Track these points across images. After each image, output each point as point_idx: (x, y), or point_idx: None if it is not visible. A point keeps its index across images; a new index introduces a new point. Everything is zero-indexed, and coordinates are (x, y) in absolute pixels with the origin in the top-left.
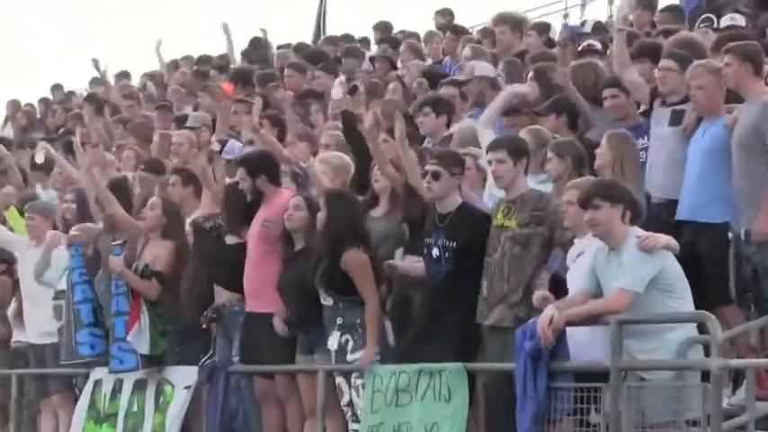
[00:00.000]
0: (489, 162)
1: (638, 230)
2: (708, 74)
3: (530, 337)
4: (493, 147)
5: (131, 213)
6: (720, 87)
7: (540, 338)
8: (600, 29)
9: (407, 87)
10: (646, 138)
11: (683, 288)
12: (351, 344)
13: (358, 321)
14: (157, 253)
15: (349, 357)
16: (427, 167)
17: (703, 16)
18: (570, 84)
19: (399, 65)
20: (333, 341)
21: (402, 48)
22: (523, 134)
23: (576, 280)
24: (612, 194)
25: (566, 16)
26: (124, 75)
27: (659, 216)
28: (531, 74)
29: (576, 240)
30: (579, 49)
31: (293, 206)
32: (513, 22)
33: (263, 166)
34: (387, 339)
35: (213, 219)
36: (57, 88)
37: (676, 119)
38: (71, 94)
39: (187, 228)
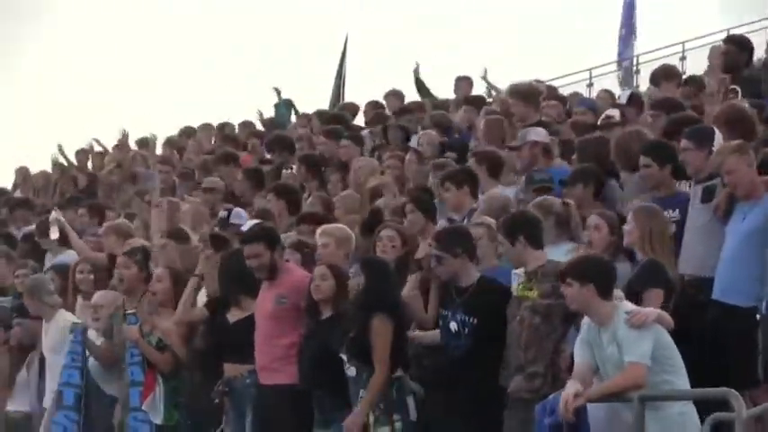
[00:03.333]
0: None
1: (627, 306)
2: (732, 156)
3: (550, 413)
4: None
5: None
6: (749, 164)
7: (560, 415)
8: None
9: (422, 157)
10: (677, 211)
11: (677, 361)
12: (372, 418)
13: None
14: (168, 325)
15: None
16: (429, 251)
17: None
18: None
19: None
20: None
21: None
22: (532, 209)
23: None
24: (581, 273)
25: (590, 86)
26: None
27: (685, 293)
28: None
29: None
30: (599, 122)
31: (320, 276)
32: (525, 95)
33: (277, 238)
34: (409, 414)
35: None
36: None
37: (708, 195)
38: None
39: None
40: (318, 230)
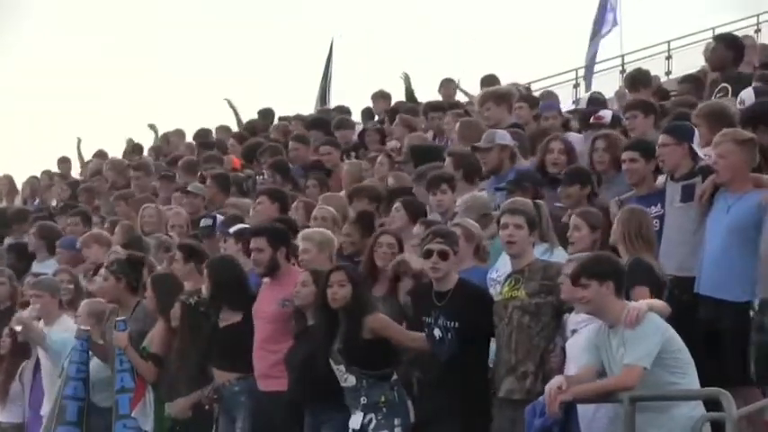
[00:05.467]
0: (506, 225)
1: (631, 305)
2: (731, 143)
3: (540, 414)
4: (512, 211)
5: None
6: (745, 159)
7: (549, 416)
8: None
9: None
10: (659, 205)
11: (686, 362)
12: (374, 423)
13: (382, 399)
14: (153, 333)
15: None
16: (432, 247)
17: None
18: None
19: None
20: (356, 421)
21: (396, 121)
22: (506, 206)
23: (575, 354)
24: (599, 272)
25: (576, 86)
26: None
27: (671, 293)
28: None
29: (573, 314)
30: (591, 120)
31: (301, 282)
32: (497, 97)
33: (283, 238)
34: (410, 416)
35: (196, 294)
36: (63, 161)
37: (687, 194)
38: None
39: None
40: (299, 236)
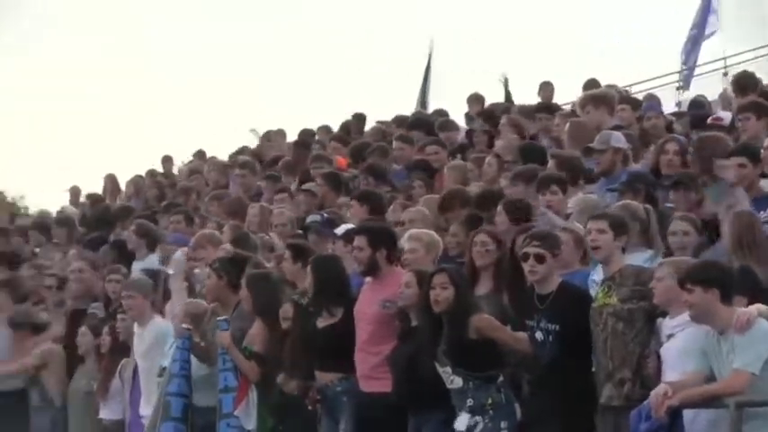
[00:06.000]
0: (589, 231)
1: (740, 311)
2: None
3: (645, 419)
4: (595, 217)
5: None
6: None
7: (655, 420)
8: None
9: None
10: None
11: None
12: (480, 426)
13: (489, 401)
14: (253, 332)
15: None
16: (529, 250)
17: None
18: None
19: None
20: (461, 422)
21: (502, 122)
22: (617, 209)
23: (673, 358)
24: (704, 278)
25: (679, 89)
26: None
27: None
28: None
29: (668, 318)
30: (709, 121)
31: (405, 283)
32: (596, 100)
33: (385, 239)
34: (516, 418)
35: (305, 294)
36: (166, 160)
37: None
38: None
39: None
40: (406, 235)
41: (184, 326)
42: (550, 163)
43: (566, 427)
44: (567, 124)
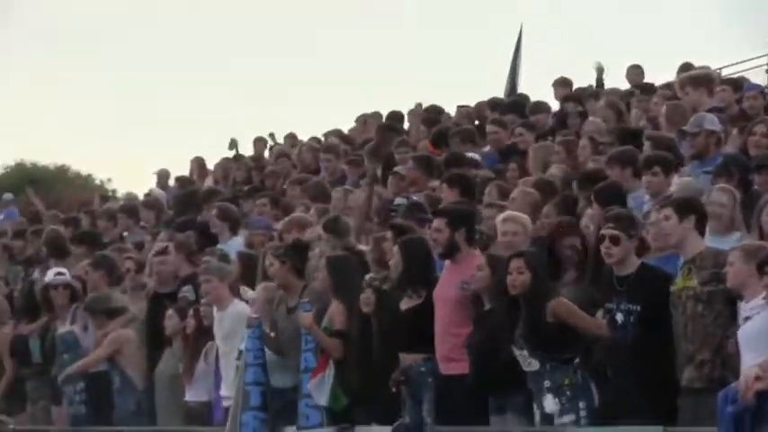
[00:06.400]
0: (656, 222)
1: None
2: None
3: (731, 401)
4: (659, 207)
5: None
6: None
7: (742, 403)
8: None
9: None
10: None
11: None
12: (558, 407)
13: (566, 382)
14: (331, 312)
15: (556, 421)
16: (605, 232)
17: None
18: None
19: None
20: (549, 404)
21: (600, 103)
22: (718, 193)
23: (751, 340)
24: None
25: None
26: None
27: None
28: None
29: (744, 301)
30: None
31: (477, 266)
32: (695, 81)
33: (465, 220)
34: (594, 399)
35: (383, 278)
36: (259, 140)
37: None
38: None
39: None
40: (500, 217)
41: (253, 315)
42: (646, 145)
43: (650, 410)
44: (664, 106)
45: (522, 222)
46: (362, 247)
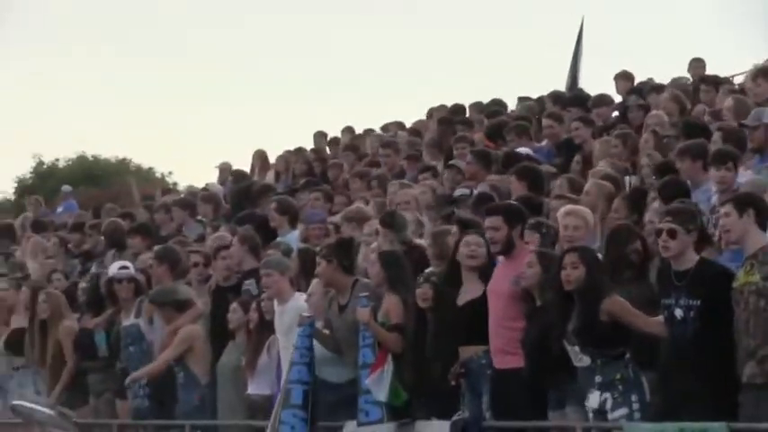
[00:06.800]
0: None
1: None
2: None
3: None
4: (722, 202)
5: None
6: None
7: None
8: None
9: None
10: None
11: None
12: (610, 402)
13: (618, 377)
14: (387, 307)
15: (609, 416)
16: (662, 225)
17: None
18: None
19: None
20: (593, 400)
21: (664, 95)
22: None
23: None
24: None
25: None
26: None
27: None
28: None
29: None
30: None
31: (527, 263)
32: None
33: (520, 217)
34: (646, 394)
35: (438, 274)
36: (320, 135)
37: None
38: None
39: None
40: (564, 210)
41: (305, 314)
42: (715, 136)
43: (714, 408)
44: (730, 99)
45: (584, 216)
46: (419, 242)
